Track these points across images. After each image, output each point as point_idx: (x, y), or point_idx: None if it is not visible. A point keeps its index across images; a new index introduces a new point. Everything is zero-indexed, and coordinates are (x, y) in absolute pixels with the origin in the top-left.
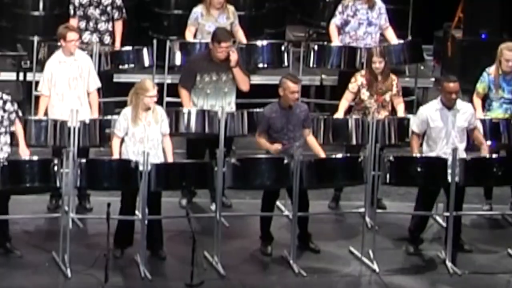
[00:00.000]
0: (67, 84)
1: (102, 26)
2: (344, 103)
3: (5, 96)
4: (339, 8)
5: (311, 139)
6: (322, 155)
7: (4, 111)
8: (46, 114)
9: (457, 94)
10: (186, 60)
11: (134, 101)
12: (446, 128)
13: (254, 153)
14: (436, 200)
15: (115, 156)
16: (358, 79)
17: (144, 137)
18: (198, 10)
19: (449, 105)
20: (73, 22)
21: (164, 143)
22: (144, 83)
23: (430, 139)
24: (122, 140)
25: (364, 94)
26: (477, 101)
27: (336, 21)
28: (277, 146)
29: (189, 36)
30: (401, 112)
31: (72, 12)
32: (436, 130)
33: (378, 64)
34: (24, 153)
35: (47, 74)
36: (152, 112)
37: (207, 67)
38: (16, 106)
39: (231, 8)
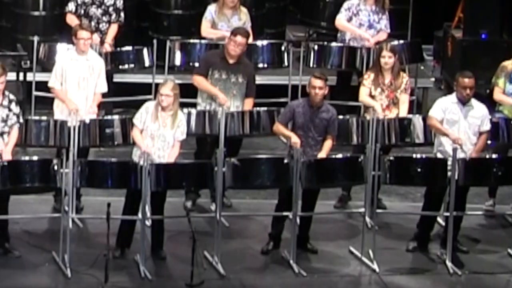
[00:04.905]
0: (77, 84)
1: (103, 26)
2: (366, 98)
3: (11, 96)
4: (345, 5)
5: (327, 143)
6: (321, 155)
7: (10, 110)
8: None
9: (472, 90)
10: (202, 54)
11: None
12: (458, 122)
13: (254, 153)
14: (443, 200)
15: (143, 147)
16: (371, 75)
17: (155, 136)
18: (212, 8)
19: (463, 100)
20: (73, 18)
21: (172, 148)
22: (164, 81)
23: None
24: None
25: (375, 90)
26: (503, 96)
27: (342, 17)
28: (297, 140)
29: (206, 32)
30: (403, 111)
31: (73, 9)
32: (449, 123)
33: (388, 58)
34: (5, 155)
35: (59, 69)
36: (172, 115)
37: (218, 64)
38: (19, 109)
39: (244, 9)
